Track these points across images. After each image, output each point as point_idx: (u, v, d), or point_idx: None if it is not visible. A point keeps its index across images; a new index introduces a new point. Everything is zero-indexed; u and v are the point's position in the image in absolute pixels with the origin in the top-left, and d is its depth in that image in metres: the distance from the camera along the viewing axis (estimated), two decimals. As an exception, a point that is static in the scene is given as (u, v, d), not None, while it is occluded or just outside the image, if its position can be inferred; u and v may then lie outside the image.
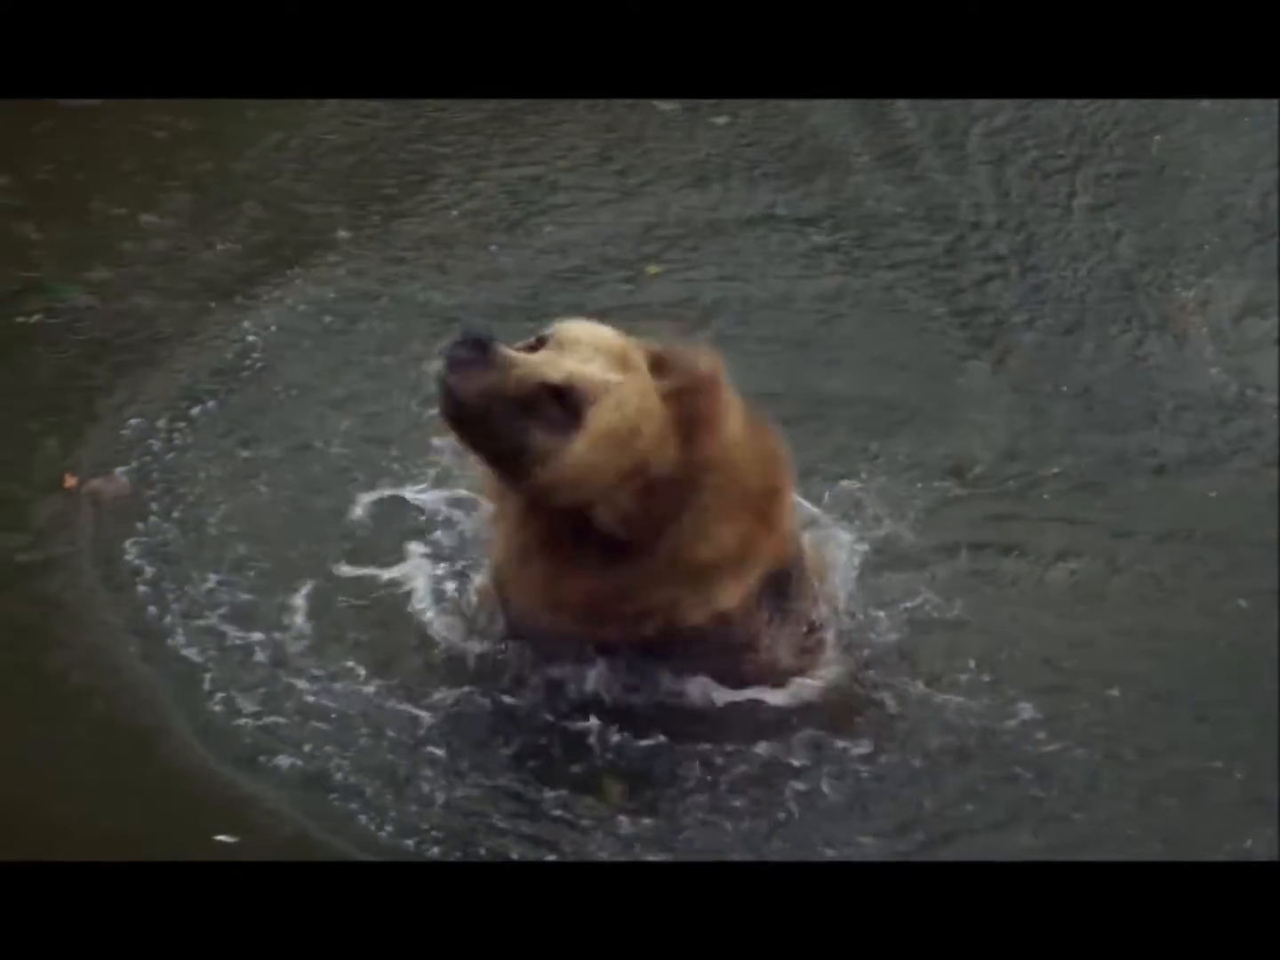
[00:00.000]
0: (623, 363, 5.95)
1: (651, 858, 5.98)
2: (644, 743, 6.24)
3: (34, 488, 7.16)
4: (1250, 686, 6.65)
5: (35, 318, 8.02)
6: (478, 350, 5.80)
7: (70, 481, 7.17)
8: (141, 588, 6.73)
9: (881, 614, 6.70)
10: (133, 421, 7.45)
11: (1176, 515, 7.32)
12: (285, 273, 8.30)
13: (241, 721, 6.31)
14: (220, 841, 6.01)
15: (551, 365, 5.88)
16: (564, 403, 5.86)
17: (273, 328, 7.98)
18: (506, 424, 5.83)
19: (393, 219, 8.70)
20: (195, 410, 7.50)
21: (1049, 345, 8.17)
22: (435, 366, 5.87)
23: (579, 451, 5.86)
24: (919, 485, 7.35)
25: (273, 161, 9.00)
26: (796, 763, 6.27)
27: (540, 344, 5.97)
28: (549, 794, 6.16)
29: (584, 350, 5.92)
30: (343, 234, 8.54)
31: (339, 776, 6.19)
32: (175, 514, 7.04)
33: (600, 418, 5.87)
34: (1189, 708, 6.58)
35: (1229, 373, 7.98)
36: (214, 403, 7.54)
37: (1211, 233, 8.77)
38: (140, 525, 6.98)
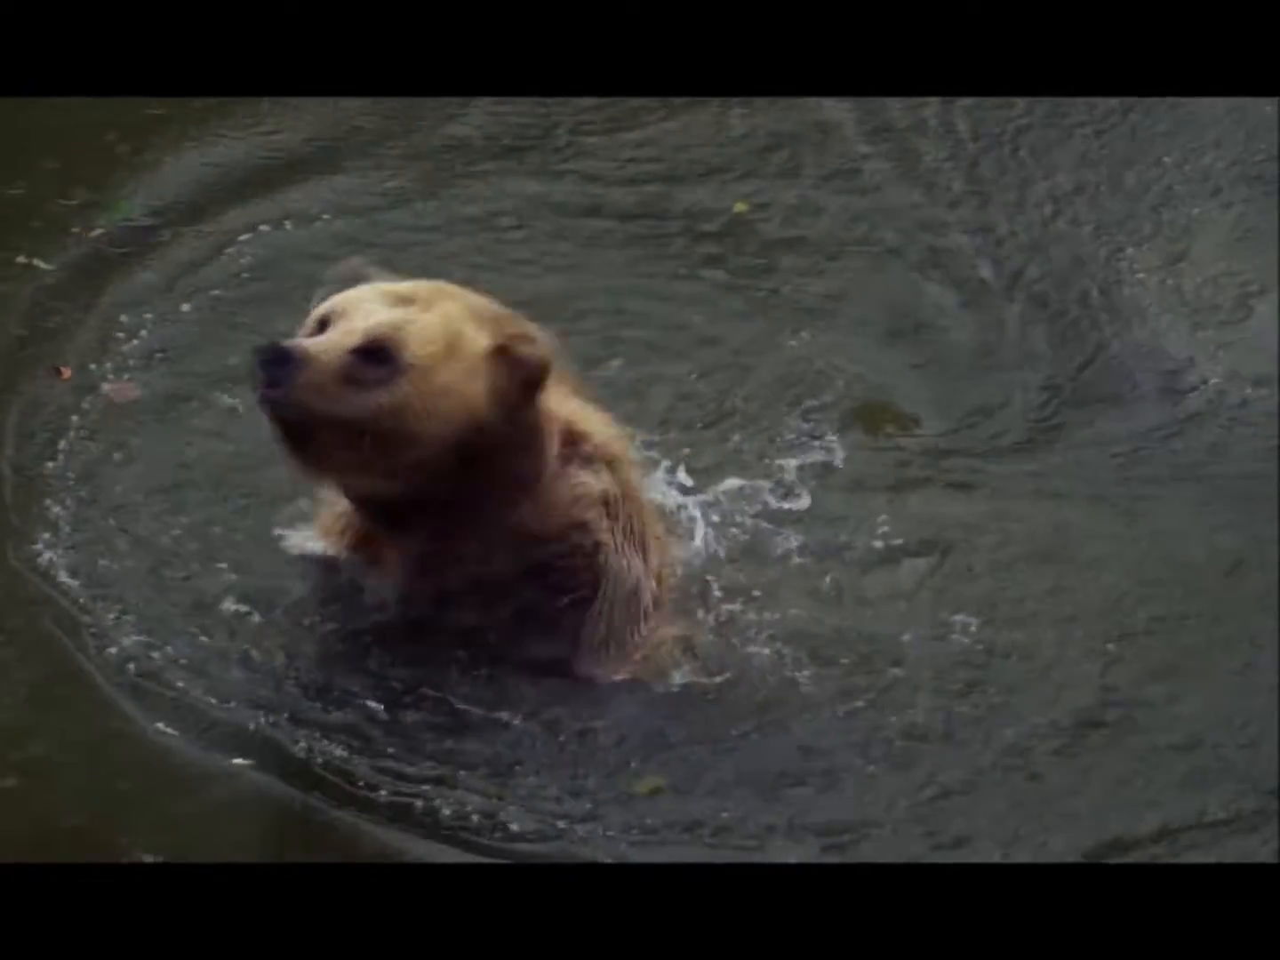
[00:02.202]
0: (409, 301, 6.12)
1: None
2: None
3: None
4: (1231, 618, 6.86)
5: (95, 232, 8.55)
6: (278, 360, 5.94)
7: (65, 374, 7.71)
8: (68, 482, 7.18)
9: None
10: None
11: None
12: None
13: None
14: (236, 764, 6.30)
15: (347, 333, 6.03)
16: (379, 359, 6.02)
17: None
18: (340, 407, 5.98)
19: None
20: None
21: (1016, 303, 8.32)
22: (253, 397, 6.05)
23: (412, 389, 6.02)
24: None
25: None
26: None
27: (324, 323, 6.12)
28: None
29: (369, 306, 6.09)
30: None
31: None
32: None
33: (413, 351, 6.02)
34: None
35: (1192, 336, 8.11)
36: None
37: (1175, 195, 8.79)
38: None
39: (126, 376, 7.76)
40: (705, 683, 6.58)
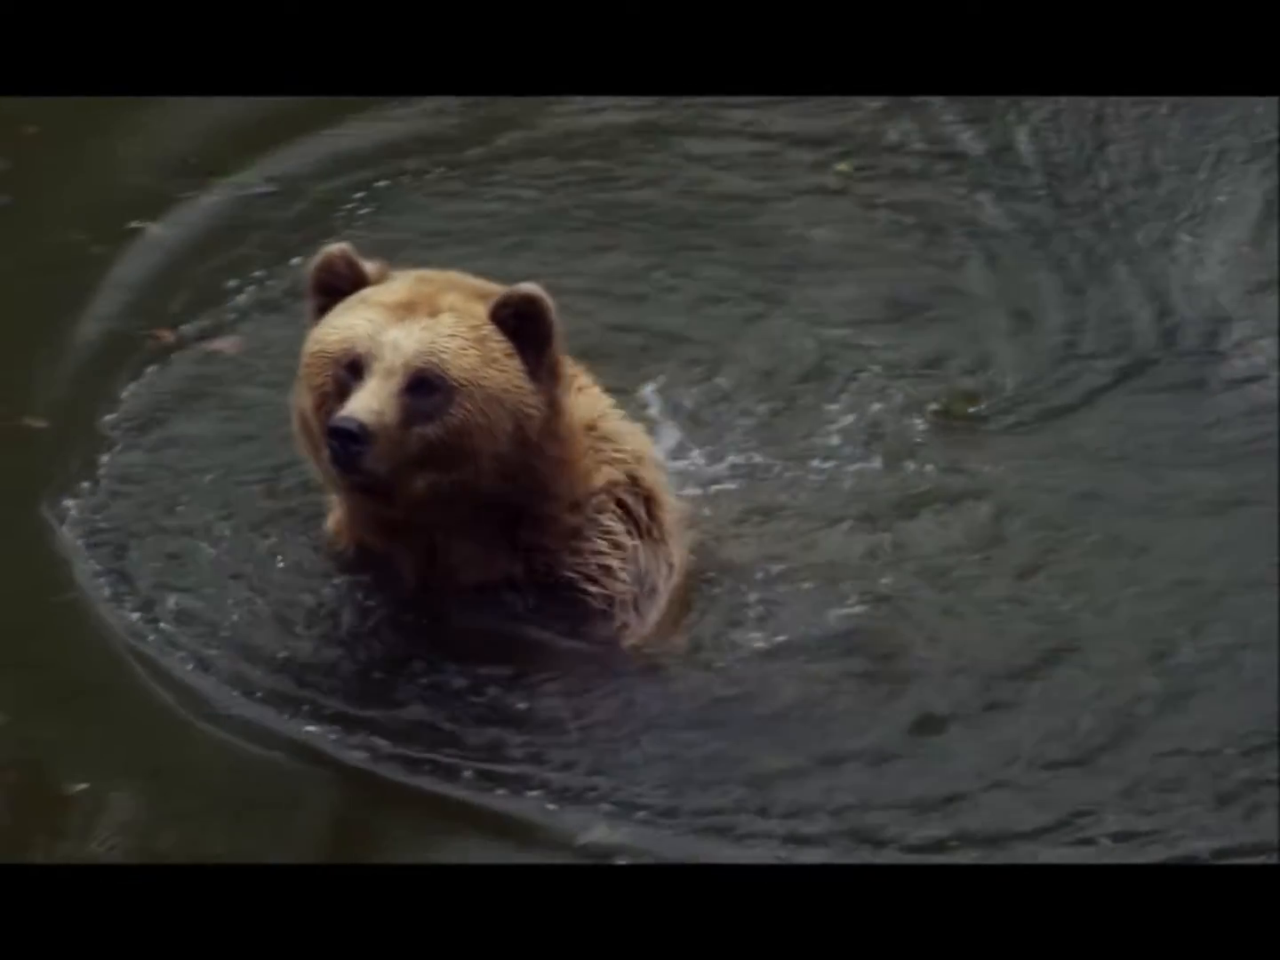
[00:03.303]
0: (414, 307, 6.23)
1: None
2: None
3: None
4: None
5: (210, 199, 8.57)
6: (349, 437, 6.07)
7: (165, 336, 7.73)
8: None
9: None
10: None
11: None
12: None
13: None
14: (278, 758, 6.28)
15: (388, 376, 6.16)
16: (428, 390, 6.18)
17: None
18: (410, 449, 6.14)
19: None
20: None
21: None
22: (341, 479, 6.19)
23: (467, 406, 6.20)
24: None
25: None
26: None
27: (354, 365, 6.18)
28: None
29: (392, 336, 6.18)
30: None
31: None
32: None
33: (456, 369, 6.19)
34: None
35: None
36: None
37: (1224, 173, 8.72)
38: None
39: (232, 335, 7.81)
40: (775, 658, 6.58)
